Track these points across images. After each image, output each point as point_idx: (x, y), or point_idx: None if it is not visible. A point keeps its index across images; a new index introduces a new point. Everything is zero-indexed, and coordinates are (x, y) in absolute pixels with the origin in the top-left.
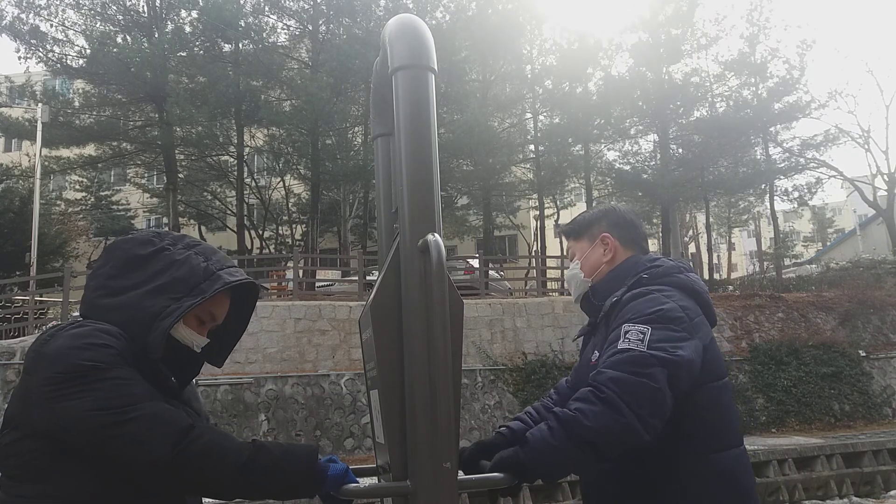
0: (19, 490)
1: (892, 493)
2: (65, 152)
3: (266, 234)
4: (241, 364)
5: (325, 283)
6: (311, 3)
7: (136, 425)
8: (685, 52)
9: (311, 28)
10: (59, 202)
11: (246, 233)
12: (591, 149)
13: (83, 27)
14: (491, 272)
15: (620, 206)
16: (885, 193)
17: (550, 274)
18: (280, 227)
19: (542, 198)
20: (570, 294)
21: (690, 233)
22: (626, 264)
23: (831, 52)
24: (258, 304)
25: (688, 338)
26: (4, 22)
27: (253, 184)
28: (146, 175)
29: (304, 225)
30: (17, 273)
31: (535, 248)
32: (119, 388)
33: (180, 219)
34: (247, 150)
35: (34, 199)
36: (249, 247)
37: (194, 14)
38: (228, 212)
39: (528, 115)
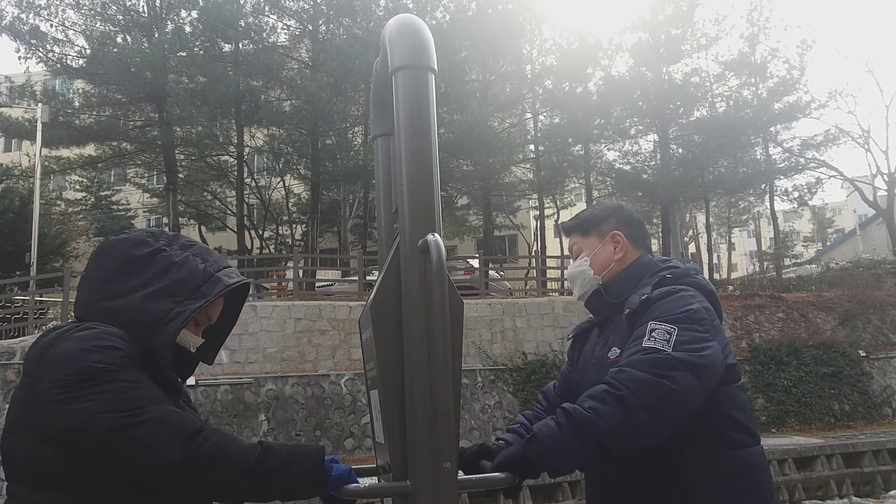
0: (33, 497)
1: (892, 493)
2: (65, 152)
3: (266, 234)
4: (241, 364)
5: (325, 283)
6: (311, 3)
7: (145, 428)
8: (685, 52)
9: (311, 28)
10: (59, 202)
11: (246, 233)
12: (591, 149)
13: (83, 27)
14: (491, 272)
15: (626, 204)
16: (885, 193)
17: (550, 274)
18: (280, 227)
19: (542, 198)
20: (570, 294)
21: (690, 233)
22: (638, 263)
23: (831, 52)
24: (258, 304)
25: (712, 339)
26: (4, 22)
27: (253, 184)
28: (146, 175)
29: (304, 225)
30: (17, 273)
31: (535, 248)
32: (128, 390)
33: (180, 219)
34: (247, 150)
35: (34, 199)
36: (249, 247)
37: (194, 14)
38: (228, 212)
39: (528, 115)
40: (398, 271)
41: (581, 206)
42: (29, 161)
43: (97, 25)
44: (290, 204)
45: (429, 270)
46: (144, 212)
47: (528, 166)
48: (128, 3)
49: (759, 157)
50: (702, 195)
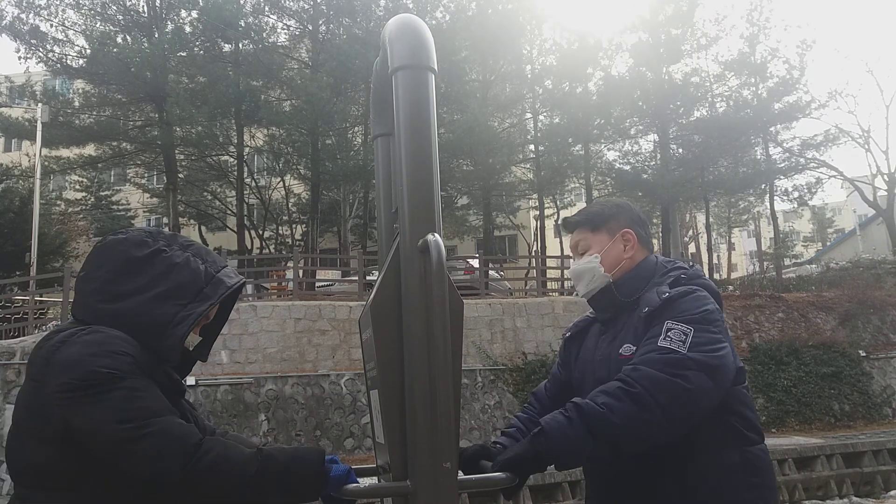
0: (34, 497)
1: (892, 493)
2: (65, 152)
3: (266, 234)
4: (241, 364)
5: (325, 283)
6: (311, 3)
7: (148, 442)
8: (685, 52)
9: (311, 28)
10: (59, 202)
11: (246, 233)
12: (591, 149)
13: (83, 27)
14: (491, 272)
15: (631, 202)
16: (885, 193)
17: (550, 274)
18: (280, 227)
19: (542, 198)
20: (570, 294)
21: (690, 233)
22: (647, 263)
23: (831, 52)
24: (258, 304)
25: (725, 341)
26: (4, 22)
27: (253, 184)
28: (146, 175)
29: (304, 225)
30: (17, 273)
31: (535, 248)
32: (133, 399)
33: (180, 219)
34: (247, 150)
35: (34, 199)
36: (249, 247)
37: (194, 14)
38: (228, 212)
39: (528, 115)
40: (398, 271)
41: (581, 206)
42: (29, 161)
43: (97, 25)
44: (290, 204)
45: (429, 270)
46: (144, 212)
47: (528, 166)
48: (128, 3)
49: (759, 157)
50: (702, 195)
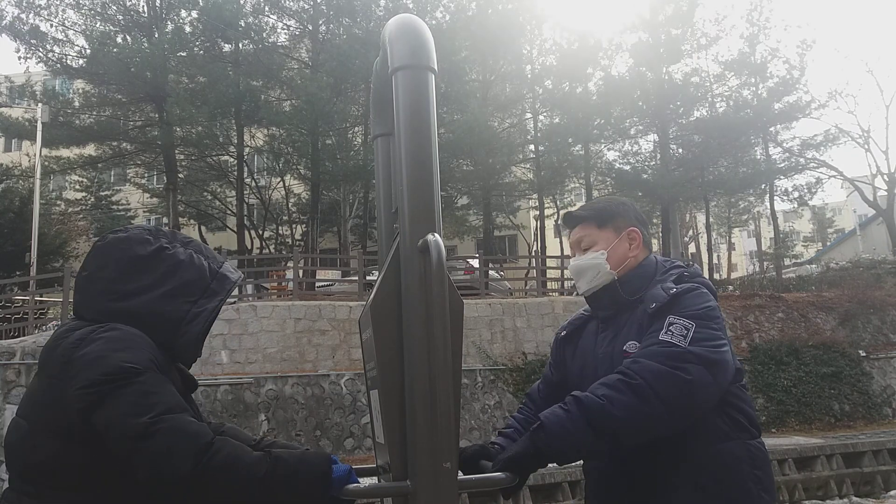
0: (39, 494)
1: (892, 493)
2: (65, 152)
3: (266, 234)
4: (241, 364)
5: (325, 283)
6: (311, 3)
7: (160, 438)
8: (685, 52)
9: (311, 28)
10: (59, 202)
11: (246, 233)
12: (591, 149)
13: (83, 27)
14: (491, 272)
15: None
16: (885, 193)
17: (550, 274)
18: (280, 227)
19: (542, 198)
20: (570, 294)
21: (690, 233)
22: (649, 261)
23: (831, 52)
24: (258, 304)
25: (725, 338)
26: (4, 22)
27: (253, 184)
28: (146, 175)
29: (304, 225)
30: (17, 273)
31: (535, 248)
32: (149, 395)
33: (180, 219)
34: (247, 150)
35: (34, 199)
36: (249, 247)
37: (194, 14)
38: (228, 212)
39: (528, 115)
40: (398, 271)
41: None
42: (29, 161)
43: (97, 25)
44: (290, 204)
45: (429, 270)
46: (144, 212)
47: (528, 166)
48: (128, 3)
49: (759, 157)
50: (702, 195)
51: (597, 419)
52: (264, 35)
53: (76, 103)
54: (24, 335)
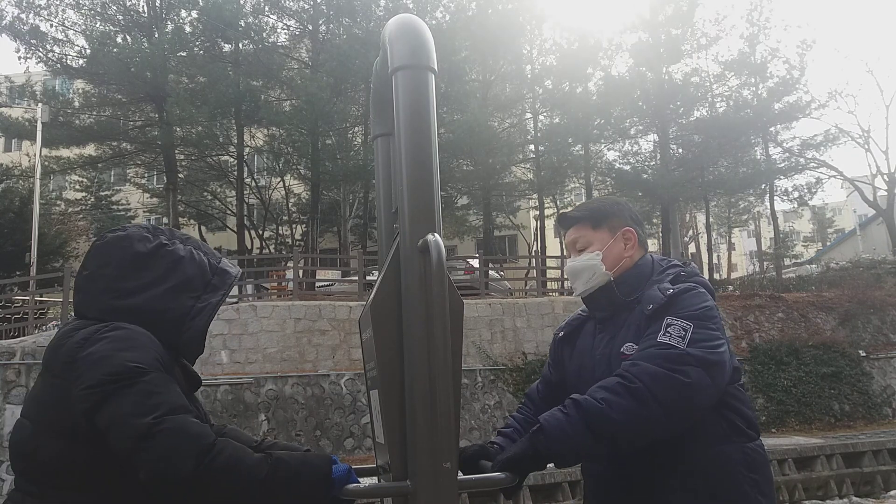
0: (42, 494)
1: (892, 493)
2: (65, 152)
3: (266, 234)
4: (241, 364)
5: (325, 283)
6: (311, 3)
7: (163, 438)
8: (685, 52)
9: (311, 28)
10: (59, 202)
11: (246, 233)
12: (591, 149)
13: (83, 27)
14: (491, 272)
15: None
16: (885, 193)
17: (550, 274)
18: (280, 227)
19: (542, 198)
20: (570, 294)
21: (690, 233)
22: (645, 261)
23: (831, 52)
24: (258, 304)
25: (723, 338)
26: (4, 22)
27: (253, 184)
28: (146, 175)
29: (304, 225)
30: (17, 273)
31: (535, 248)
32: (153, 394)
33: (180, 219)
34: (247, 150)
35: (34, 199)
36: (249, 247)
37: (194, 14)
38: (228, 212)
39: (528, 115)
40: (398, 271)
41: None
42: (29, 161)
43: (97, 25)
44: (290, 204)
45: (429, 270)
46: (144, 212)
47: (528, 166)
48: (128, 3)
49: (759, 157)
50: (702, 195)
51: (595, 423)
52: (264, 35)
53: (76, 103)
54: (24, 335)
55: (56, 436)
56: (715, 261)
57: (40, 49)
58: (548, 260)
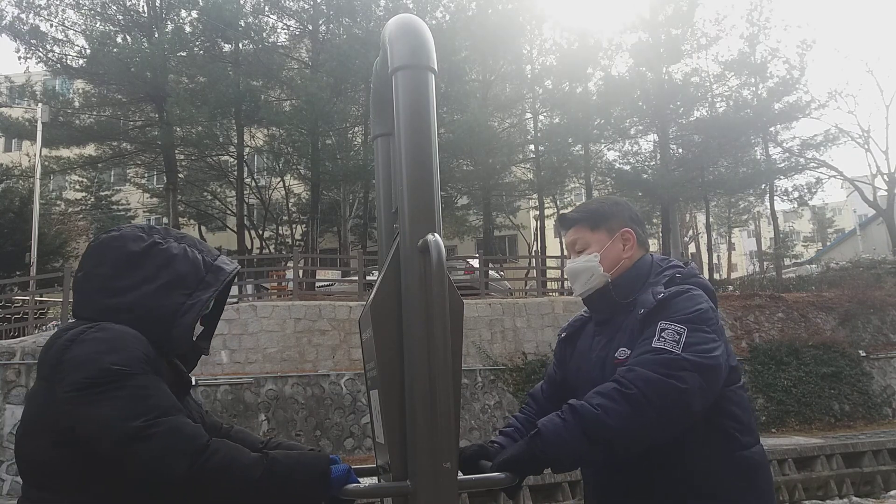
0: (40, 497)
1: (892, 493)
2: (65, 152)
3: (266, 234)
4: (241, 364)
5: (325, 283)
6: (311, 3)
7: (155, 441)
8: (685, 52)
9: (311, 28)
10: (59, 202)
11: (246, 233)
12: (591, 149)
13: (83, 27)
14: (491, 272)
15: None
16: (885, 193)
17: (550, 274)
18: (280, 227)
19: (542, 198)
20: (570, 294)
21: (690, 233)
22: (643, 262)
23: (831, 52)
24: (258, 304)
25: (719, 341)
26: (4, 22)
27: (253, 184)
28: (146, 175)
29: (304, 225)
30: (17, 273)
31: (535, 248)
32: (143, 397)
33: (180, 219)
34: (247, 150)
35: (34, 199)
36: (249, 247)
37: (194, 14)
38: (228, 212)
39: (528, 115)
40: (398, 271)
41: None
42: (29, 161)
43: (97, 25)
44: (290, 204)
45: (429, 270)
46: (144, 212)
47: (528, 166)
48: (128, 3)
49: (759, 157)
50: (702, 195)
51: (591, 428)
52: (264, 35)
53: (76, 103)
54: (24, 335)
55: (50, 437)
56: (715, 261)
57: (40, 49)
58: (548, 260)
